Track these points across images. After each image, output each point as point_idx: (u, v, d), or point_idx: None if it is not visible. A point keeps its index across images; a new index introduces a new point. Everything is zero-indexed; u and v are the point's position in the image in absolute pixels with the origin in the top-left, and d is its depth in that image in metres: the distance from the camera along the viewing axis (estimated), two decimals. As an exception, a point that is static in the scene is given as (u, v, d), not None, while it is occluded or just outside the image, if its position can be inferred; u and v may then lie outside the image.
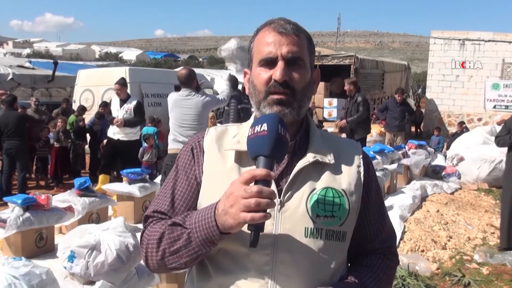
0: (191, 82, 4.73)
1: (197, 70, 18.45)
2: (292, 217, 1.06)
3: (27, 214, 3.98)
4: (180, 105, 4.70)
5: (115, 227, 2.93)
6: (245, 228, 0.96)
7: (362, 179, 1.15)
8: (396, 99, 9.43)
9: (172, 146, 4.81)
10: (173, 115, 4.77)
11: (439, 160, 9.12)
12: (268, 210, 0.93)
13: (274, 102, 1.09)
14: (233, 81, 6.91)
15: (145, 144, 7.82)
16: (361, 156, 1.18)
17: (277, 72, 1.07)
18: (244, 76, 1.23)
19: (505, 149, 4.92)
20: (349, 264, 1.19)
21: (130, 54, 43.80)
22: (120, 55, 40.28)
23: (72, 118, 8.77)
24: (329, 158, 1.12)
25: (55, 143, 7.96)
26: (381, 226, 1.20)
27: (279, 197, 1.06)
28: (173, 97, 4.83)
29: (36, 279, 2.45)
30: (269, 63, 1.09)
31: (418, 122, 15.44)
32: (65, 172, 8.14)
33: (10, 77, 12.84)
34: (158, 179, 6.07)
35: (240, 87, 7.21)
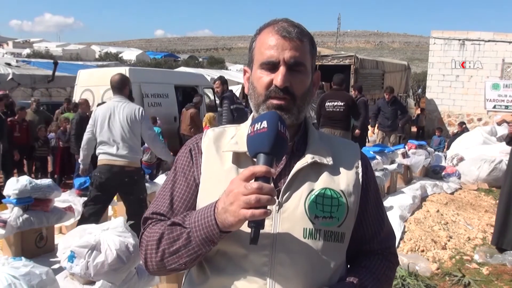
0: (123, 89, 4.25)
1: (197, 70, 18.48)
2: (290, 218, 1.05)
3: (27, 214, 3.98)
4: (109, 117, 4.14)
5: (115, 227, 2.92)
6: (244, 227, 0.96)
7: (361, 180, 1.14)
8: (386, 98, 9.34)
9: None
10: (103, 129, 4.21)
11: (440, 160, 9.11)
12: (268, 208, 0.93)
13: (273, 107, 1.08)
14: (223, 82, 6.90)
15: (145, 145, 7.82)
16: (359, 157, 1.18)
17: (278, 78, 1.06)
18: (244, 74, 1.22)
19: (506, 149, 4.93)
20: (348, 265, 1.18)
21: (130, 54, 43.83)
22: (120, 55, 40.29)
23: (68, 115, 8.79)
24: (328, 159, 1.11)
25: (60, 143, 8.00)
26: (379, 227, 1.20)
27: (277, 198, 1.05)
28: (103, 109, 4.28)
29: (36, 279, 2.45)
30: (271, 66, 1.08)
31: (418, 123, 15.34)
32: (70, 171, 8.23)
33: (10, 77, 12.84)
34: (158, 179, 6.07)
35: (238, 87, 7.21)
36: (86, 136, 4.26)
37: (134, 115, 4.10)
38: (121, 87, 4.21)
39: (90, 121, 4.25)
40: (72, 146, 7.18)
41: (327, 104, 6.87)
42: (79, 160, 4.51)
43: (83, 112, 7.29)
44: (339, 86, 7.12)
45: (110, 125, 4.09)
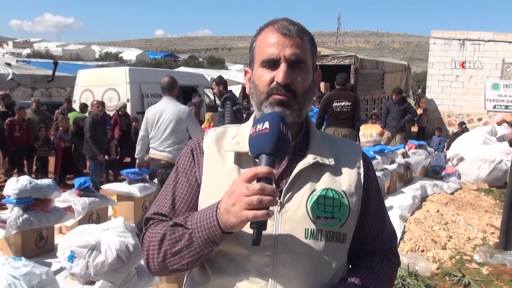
0: (172, 90, 4.69)
1: (197, 70, 18.50)
2: (292, 218, 1.05)
3: (27, 215, 3.98)
4: (158, 116, 4.60)
5: (115, 227, 2.93)
6: (246, 228, 0.96)
7: (362, 180, 1.14)
8: (393, 99, 9.42)
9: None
10: (154, 128, 4.69)
11: (440, 160, 9.11)
12: (270, 209, 0.93)
13: (275, 102, 1.08)
14: (223, 83, 6.92)
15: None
16: (361, 158, 1.18)
17: (279, 75, 1.07)
18: (244, 75, 1.22)
19: (506, 149, 4.92)
20: (349, 266, 1.18)
21: (130, 54, 43.86)
22: (120, 55, 40.32)
23: (74, 114, 8.79)
24: (329, 160, 1.11)
25: (62, 143, 8.00)
26: (381, 227, 1.20)
27: (279, 199, 1.05)
28: (153, 109, 4.73)
29: (36, 279, 2.45)
30: (271, 64, 1.09)
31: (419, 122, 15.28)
32: (72, 171, 8.23)
33: (10, 77, 12.85)
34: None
35: (238, 87, 7.25)
36: (140, 133, 4.84)
37: (180, 115, 4.58)
38: (170, 88, 4.66)
39: (144, 120, 4.79)
40: (89, 148, 7.06)
41: (334, 104, 6.99)
42: (135, 155, 5.08)
43: (96, 113, 7.26)
44: (343, 86, 7.24)
45: (158, 123, 4.59)
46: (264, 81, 1.09)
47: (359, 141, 9.98)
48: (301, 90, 1.10)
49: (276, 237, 1.04)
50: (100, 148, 7.09)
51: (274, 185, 0.95)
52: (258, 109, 1.12)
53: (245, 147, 1.08)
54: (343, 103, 6.92)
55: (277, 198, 0.95)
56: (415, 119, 15.30)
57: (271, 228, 1.03)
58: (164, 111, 4.56)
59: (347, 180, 1.11)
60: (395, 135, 9.26)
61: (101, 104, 8.19)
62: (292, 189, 1.07)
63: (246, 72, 1.21)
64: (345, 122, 6.96)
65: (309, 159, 1.09)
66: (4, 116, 8.24)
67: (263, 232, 0.95)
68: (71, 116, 8.71)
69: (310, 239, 1.05)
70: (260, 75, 1.10)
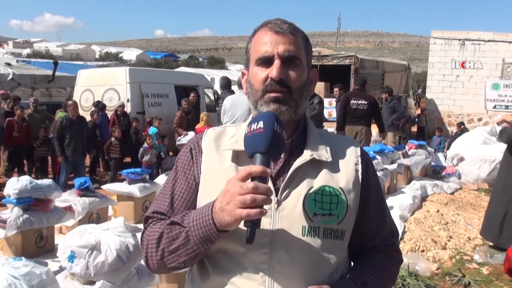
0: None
1: (197, 70, 18.49)
2: (289, 216, 1.06)
3: (27, 215, 3.98)
4: (235, 105, 5.56)
5: (115, 227, 2.92)
6: (243, 226, 0.97)
7: (360, 177, 1.15)
8: (384, 98, 9.63)
9: None
10: (229, 114, 5.59)
11: (440, 160, 9.10)
12: (265, 207, 0.93)
13: (271, 100, 1.10)
14: (226, 82, 7.02)
15: (145, 145, 7.84)
16: (359, 154, 1.18)
17: (273, 70, 1.08)
18: (242, 77, 1.24)
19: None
20: (352, 263, 1.19)
21: (130, 54, 43.88)
22: (120, 55, 40.35)
23: (60, 114, 8.76)
24: (326, 156, 1.12)
25: None
26: (381, 224, 1.20)
27: (276, 196, 1.06)
28: (230, 99, 5.72)
29: (36, 279, 2.45)
30: (266, 62, 1.10)
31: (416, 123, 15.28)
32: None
33: (10, 77, 12.85)
34: (158, 179, 6.07)
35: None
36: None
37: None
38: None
39: (222, 109, 5.79)
40: (55, 147, 6.92)
41: (352, 101, 7.39)
42: None
43: (72, 114, 6.94)
44: (362, 86, 7.72)
45: (234, 111, 5.51)
46: (259, 79, 1.11)
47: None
48: (296, 86, 1.11)
49: (274, 234, 1.05)
50: (72, 149, 6.86)
51: (269, 184, 0.95)
52: (255, 108, 1.14)
53: (242, 146, 1.08)
54: (359, 101, 7.35)
55: (271, 197, 0.96)
56: (414, 119, 15.33)
57: (269, 225, 1.04)
58: (239, 102, 5.49)
59: (344, 176, 1.12)
60: (386, 134, 9.25)
61: (77, 105, 7.72)
62: (289, 186, 1.08)
63: (243, 74, 1.23)
64: (361, 119, 7.35)
65: (305, 156, 1.10)
66: (8, 115, 8.23)
67: (261, 230, 0.96)
68: (60, 115, 8.67)
69: (307, 236, 1.05)
70: (255, 73, 1.12)
